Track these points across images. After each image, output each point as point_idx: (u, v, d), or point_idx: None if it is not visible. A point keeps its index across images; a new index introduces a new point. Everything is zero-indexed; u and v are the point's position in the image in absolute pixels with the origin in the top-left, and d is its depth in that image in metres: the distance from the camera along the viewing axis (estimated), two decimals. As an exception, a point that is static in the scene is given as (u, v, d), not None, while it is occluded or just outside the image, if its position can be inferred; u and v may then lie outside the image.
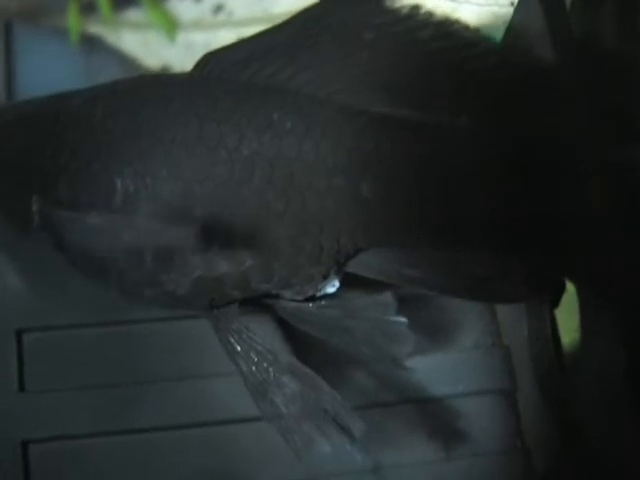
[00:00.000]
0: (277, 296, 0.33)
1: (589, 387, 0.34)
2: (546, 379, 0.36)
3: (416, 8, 0.31)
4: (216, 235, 0.31)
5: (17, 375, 0.35)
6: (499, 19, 0.40)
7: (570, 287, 0.35)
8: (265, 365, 0.32)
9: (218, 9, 0.43)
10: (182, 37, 0.42)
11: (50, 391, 0.35)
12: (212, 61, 0.32)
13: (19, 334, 0.36)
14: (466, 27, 0.31)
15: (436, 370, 0.36)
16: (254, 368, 0.32)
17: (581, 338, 0.35)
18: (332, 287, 0.33)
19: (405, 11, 0.31)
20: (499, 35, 0.36)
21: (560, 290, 0.35)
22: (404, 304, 0.33)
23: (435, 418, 0.36)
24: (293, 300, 0.33)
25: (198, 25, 0.42)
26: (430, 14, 0.30)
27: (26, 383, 0.35)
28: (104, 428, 0.35)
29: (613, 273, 0.32)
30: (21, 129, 0.34)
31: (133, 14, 0.43)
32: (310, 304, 0.33)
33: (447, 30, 0.31)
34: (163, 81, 0.34)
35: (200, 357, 0.36)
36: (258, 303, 0.34)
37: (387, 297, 0.32)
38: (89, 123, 0.32)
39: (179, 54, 0.42)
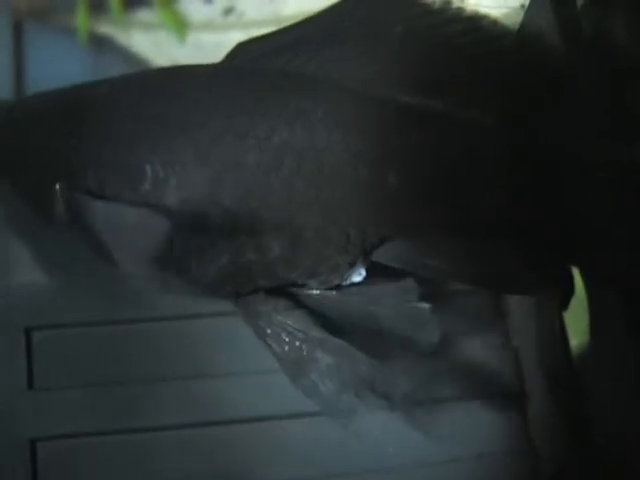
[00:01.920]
0: (303, 285, 0.33)
1: (598, 389, 0.34)
2: (554, 381, 0.36)
3: (447, 3, 0.31)
4: (244, 223, 0.31)
5: (26, 373, 0.35)
6: (509, 22, 0.40)
7: (578, 291, 0.35)
8: (297, 343, 0.32)
9: (229, 10, 0.43)
10: (193, 38, 0.43)
11: (59, 389, 0.35)
12: (242, 52, 0.33)
13: (28, 332, 0.36)
14: (495, 22, 0.31)
15: (444, 371, 0.36)
16: (287, 348, 0.32)
17: (590, 340, 0.35)
18: (359, 276, 0.33)
19: (436, 5, 0.31)
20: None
21: (569, 293, 0.35)
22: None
23: (442, 418, 0.36)
24: (318, 289, 0.33)
25: (209, 26, 0.43)
26: (461, 9, 0.31)
27: (35, 381, 0.35)
28: (112, 426, 0.35)
29: (616, 269, 0.32)
30: (47, 117, 0.34)
31: (144, 14, 0.43)
32: (334, 292, 0.33)
33: (477, 25, 0.31)
34: (192, 71, 0.34)
35: (209, 356, 0.36)
36: (283, 291, 0.34)
37: (409, 283, 0.32)
38: (116, 111, 0.32)
39: (189, 55, 0.43)
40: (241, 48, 0.33)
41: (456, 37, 0.31)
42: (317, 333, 0.32)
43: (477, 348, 0.37)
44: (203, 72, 0.34)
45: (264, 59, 0.32)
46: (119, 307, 0.36)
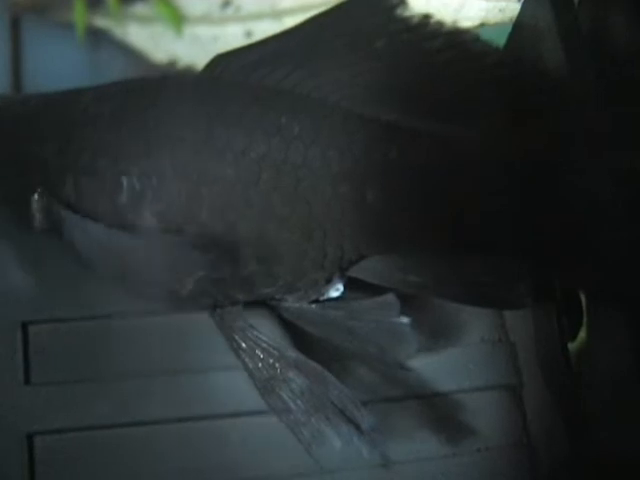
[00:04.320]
0: (281, 299, 0.33)
1: (595, 384, 0.34)
2: (552, 375, 0.36)
3: (427, 18, 0.31)
4: (220, 238, 0.31)
5: (23, 367, 0.35)
6: (506, 15, 0.40)
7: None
8: (271, 361, 0.32)
9: (226, 4, 0.43)
10: (190, 31, 0.42)
11: (56, 384, 0.35)
12: (222, 63, 0.32)
13: (25, 326, 0.36)
14: (476, 37, 0.31)
15: (442, 365, 0.36)
16: (260, 365, 0.32)
17: (587, 335, 0.35)
18: (336, 291, 0.33)
19: (416, 20, 0.31)
20: (506, 31, 0.36)
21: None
22: (410, 300, 0.33)
23: (441, 413, 0.36)
24: (296, 303, 0.33)
25: (206, 19, 0.42)
26: (440, 24, 0.31)
27: (32, 375, 0.35)
28: (109, 420, 0.35)
29: (614, 274, 0.32)
30: (28, 124, 0.34)
31: (140, 8, 0.43)
32: (313, 305, 0.33)
33: (457, 40, 0.31)
34: (172, 81, 0.34)
35: (206, 350, 0.36)
36: (261, 305, 0.34)
37: (390, 298, 0.32)
38: (97, 121, 0.32)
39: (186, 48, 0.42)
40: (221, 60, 0.32)
41: (437, 53, 0.31)
42: (292, 353, 0.33)
43: (474, 343, 0.37)
44: (184, 83, 0.34)
45: (244, 71, 0.32)
46: (116, 301, 0.36)
